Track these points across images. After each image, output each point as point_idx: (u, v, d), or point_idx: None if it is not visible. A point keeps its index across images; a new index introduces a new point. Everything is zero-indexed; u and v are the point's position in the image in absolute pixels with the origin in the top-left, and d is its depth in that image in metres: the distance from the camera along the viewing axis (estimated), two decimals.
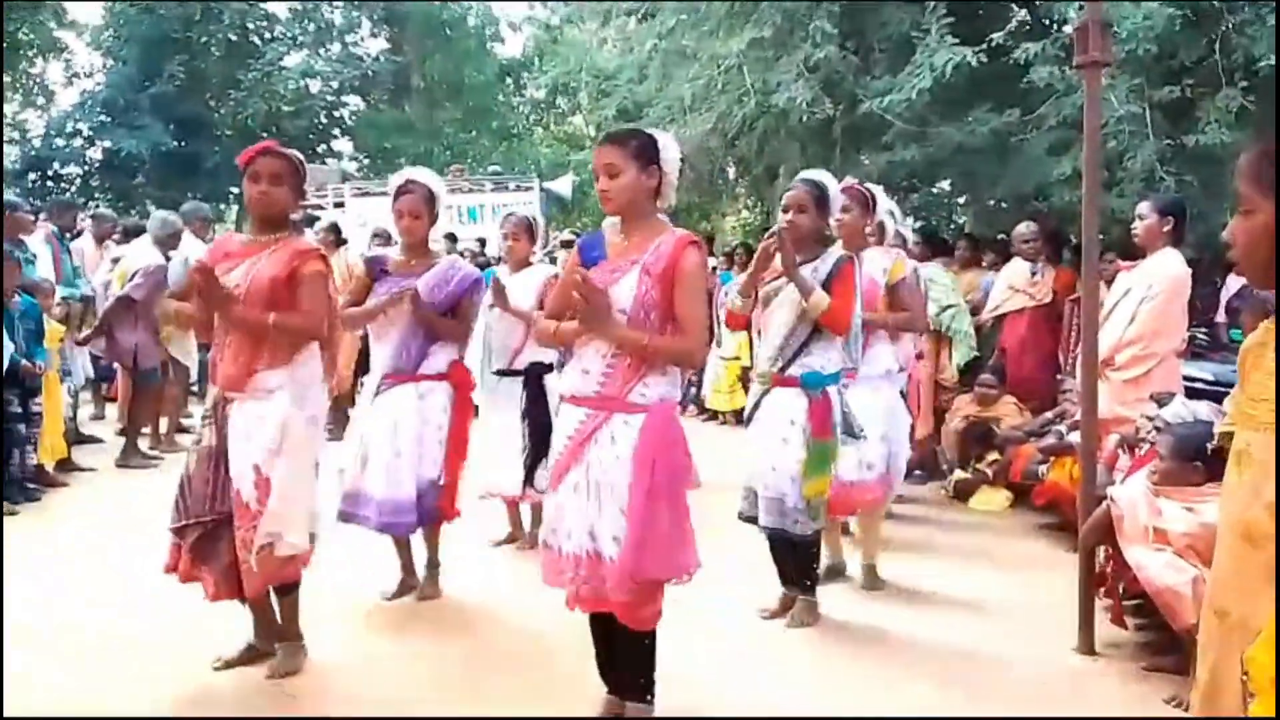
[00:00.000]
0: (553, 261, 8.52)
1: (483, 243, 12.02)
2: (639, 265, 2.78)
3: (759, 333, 4.01)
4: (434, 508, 4.12)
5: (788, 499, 3.76)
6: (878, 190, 4.46)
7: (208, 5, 20.97)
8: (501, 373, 4.87)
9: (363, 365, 6.19)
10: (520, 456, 4.62)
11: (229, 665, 3.45)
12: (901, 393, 4.67)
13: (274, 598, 3.42)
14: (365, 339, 4.40)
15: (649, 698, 2.95)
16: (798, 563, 3.94)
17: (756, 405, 3.92)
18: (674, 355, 2.80)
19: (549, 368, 4.72)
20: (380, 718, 3.17)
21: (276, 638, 3.47)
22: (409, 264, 4.12)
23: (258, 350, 3.25)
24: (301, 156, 3.42)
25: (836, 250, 3.86)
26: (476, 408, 4.46)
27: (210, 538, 3.23)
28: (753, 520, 3.93)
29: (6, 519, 5.46)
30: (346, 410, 6.47)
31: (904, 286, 4.40)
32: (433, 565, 4.31)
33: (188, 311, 3.43)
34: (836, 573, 4.51)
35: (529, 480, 4.52)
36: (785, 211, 3.81)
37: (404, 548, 4.30)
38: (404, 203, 4.05)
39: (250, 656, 3.48)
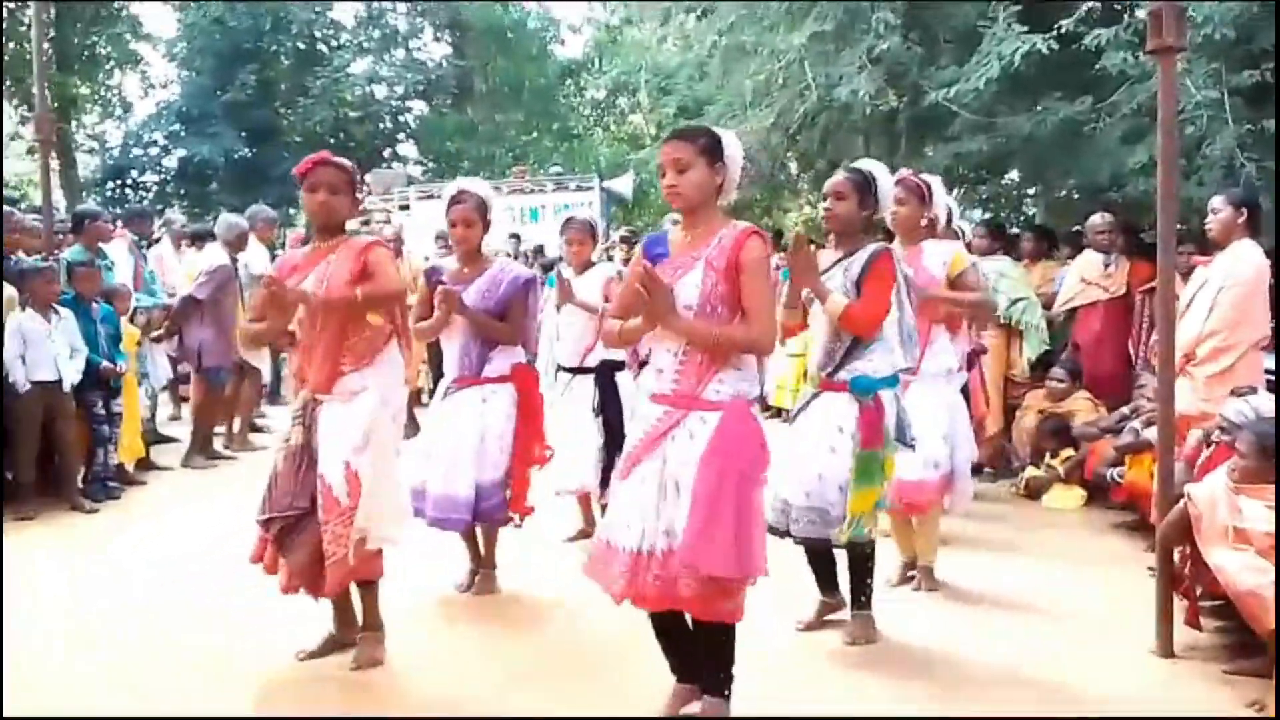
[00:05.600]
0: (609, 259, 8.54)
1: (540, 249, 11.81)
2: (702, 260, 2.79)
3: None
4: (492, 509, 4.16)
5: (833, 509, 3.53)
6: (935, 180, 4.27)
7: (277, 15, 21.46)
8: (573, 370, 4.98)
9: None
10: (596, 453, 4.77)
11: (312, 656, 3.55)
12: (963, 390, 4.52)
13: (355, 591, 3.53)
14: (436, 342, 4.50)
15: (725, 693, 2.92)
16: (850, 576, 3.72)
17: (804, 408, 3.73)
18: (743, 344, 2.78)
19: (620, 365, 4.74)
20: (447, 718, 3.20)
21: (359, 628, 3.58)
22: (463, 272, 4.21)
23: (342, 353, 3.39)
24: (355, 165, 3.53)
25: (872, 244, 3.62)
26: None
27: (292, 530, 3.34)
28: (783, 533, 3.63)
29: (87, 516, 5.68)
30: (413, 411, 6.56)
31: (969, 275, 4.19)
32: (487, 565, 4.36)
33: (256, 330, 3.56)
34: (910, 568, 4.38)
35: (607, 478, 4.58)
36: (825, 200, 3.66)
37: (470, 540, 4.37)
38: (456, 212, 4.13)
39: (331, 647, 3.58)
